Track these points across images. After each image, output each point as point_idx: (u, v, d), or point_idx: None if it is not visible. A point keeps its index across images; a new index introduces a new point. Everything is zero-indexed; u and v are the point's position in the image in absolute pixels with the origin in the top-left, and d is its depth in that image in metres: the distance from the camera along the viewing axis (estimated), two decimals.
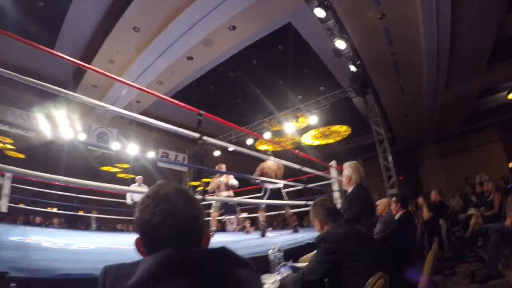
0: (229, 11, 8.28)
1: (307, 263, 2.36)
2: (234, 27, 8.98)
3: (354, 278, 2.07)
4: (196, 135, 3.80)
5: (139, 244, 1.01)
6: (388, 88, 11.76)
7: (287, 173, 7.15)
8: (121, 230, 12.52)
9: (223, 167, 7.33)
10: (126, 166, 13.75)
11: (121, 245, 4.06)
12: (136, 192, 8.78)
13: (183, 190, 1.07)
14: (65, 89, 2.99)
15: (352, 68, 9.57)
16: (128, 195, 9.20)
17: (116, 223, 13.14)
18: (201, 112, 3.95)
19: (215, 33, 9.02)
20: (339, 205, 5.33)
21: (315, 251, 2.37)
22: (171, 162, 14.97)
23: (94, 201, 9.37)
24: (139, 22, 8.97)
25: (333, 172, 6.93)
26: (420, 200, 7.44)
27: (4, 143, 11.11)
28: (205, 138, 3.92)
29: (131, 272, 0.88)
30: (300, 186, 7.03)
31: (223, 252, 0.99)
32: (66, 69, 11.02)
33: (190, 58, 10.18)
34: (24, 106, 10.98)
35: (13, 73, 2.52)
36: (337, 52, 8.80)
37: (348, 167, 3.53)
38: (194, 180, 15.71)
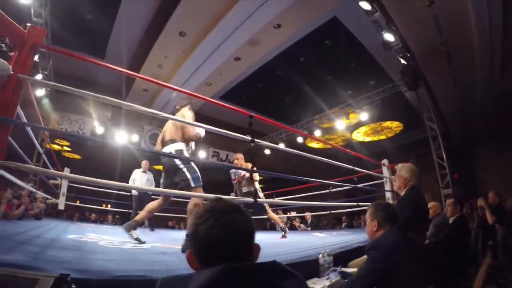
0: (273, 10, 8.25)
1: (356, 269, 2.32)
2: (279, 25, 8.94)
3: None
4: (248, 138, 3.75)
5: (192, 258, 1.02)
6: (441, 80, 11.19)
7: (338, 173, 6.98)
8: (172, 227, 12.91)
9: (239, 157, 6.82)
10: None
11: (174, 244, 4.12)
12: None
13: (238, 206, 1.07)
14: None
15: (402, 61, 9.20)
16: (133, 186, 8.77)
17: (167, 220, 13.45)
18: (252, 114, 3.88)
19: (261, 33, 9.03)
20: None
21: (365, 256, 2.31)
22: (218, 165, 15.03)
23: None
24: (185, 27, 9.15)
25: (385, 171, 6.72)
26: (481, 201, 6.77)
27: (61, 145, 11.69)
28: (257, 141, 3.87)
29: (186, 285, 0.90)
30: (349, 186, 6.64)
31: (275, 266, 0.98)
32: (118, 75, 11.43)
33: (237, 59, 10.27)
34: (80, 112, 11.59)
35: (77, 90, 2.61)
36: (386, 45, 8.50)
37: (404, 169, 3.24)
38: None
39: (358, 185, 6.20)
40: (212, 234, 0.98)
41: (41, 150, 6.72)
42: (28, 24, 2.77)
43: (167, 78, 11.23)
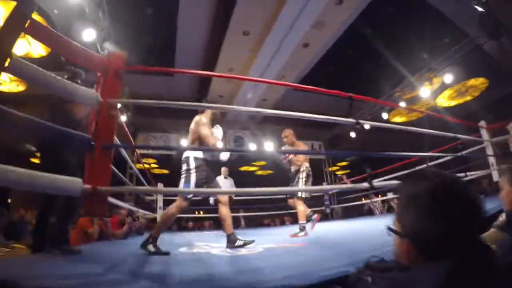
0: None
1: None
2: (340, 1, 8.59)
3: None
4: (353, 120, 3.51)
5: (410, 251, 0.91)
6: None
7: (433, 143, 6.49)
8: (268, 225, 13.00)
9: (288, 135, 6.21)
10: (262, 163, 14.33)
11: (287, 243, 4.02)
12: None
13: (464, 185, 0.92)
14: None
15: (479, 8, 8.30)
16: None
17: (262, 218, 13.58)
18: (351, 95, 3.64)
19: (324, 13, 8.69)
20: None
21: (493, 230, 1.90)
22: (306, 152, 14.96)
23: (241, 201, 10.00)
24: (247, 25, 9.12)
25: (484, 134, 6.10)
26: None
27: (149, 163, 12.36)
28: (361, 122, 3.60)
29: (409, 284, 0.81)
30: (451, 156, 6.03)
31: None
32: (191, 87, 11.81)
33: (305, 45, 10.04)
34: (162, 130, 12.20)
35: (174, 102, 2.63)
36: None
37: None
38: (334, 166, 15.72)
39: (463, 153, 5.61)
40: (441, 226, 0.84)
41: (136, 170, 7.06)
42: (106, 51, 2.83)
43: (240, 81, 11.36)
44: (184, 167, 3.88)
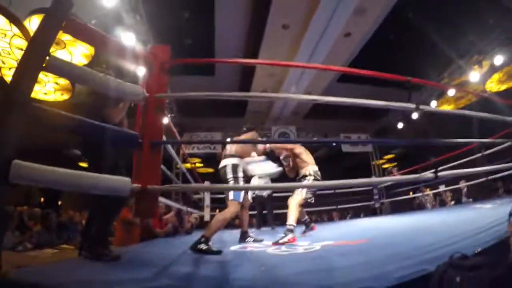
0: None
1: None
2: None
3: None
4: (412, 105, 3.32)
5: None
6: None
7: (482, 132, 6.07)
8: (316, 221, 12.65)
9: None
10: None
11: (343, 241, 3.82)
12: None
13: None
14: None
15: None
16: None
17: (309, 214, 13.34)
18: (409, 78, 3.43)
19: None
20: None
21: None
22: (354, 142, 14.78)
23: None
24: (286, 19, 8.93)
25: None
26: None
27: (193, 163, 12.55)
28: (422, 107, 3.38)
29: None
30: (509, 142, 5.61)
31: None
32: (232, 86, 11.82)
33: (347, 35, 9.73)
34: (206, 128, 12.40)
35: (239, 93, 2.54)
36: None
37: None
38: (381, 159, 15.28)
39: None
40: None
41: (184, 169, 7.09)
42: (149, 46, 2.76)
43: (281, 77, 11.26)
44: (230, 174, 4.09)
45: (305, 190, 4.75)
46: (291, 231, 4.30)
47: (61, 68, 2.05)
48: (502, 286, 0.74)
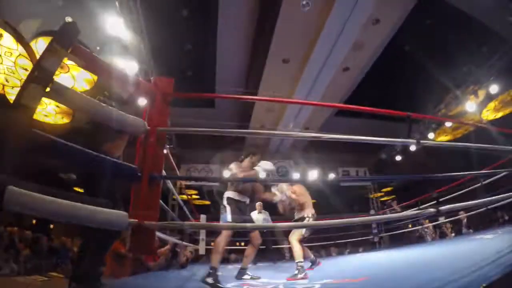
0: (367, 5, 7.74)
1: None
2: (377, 21, 8.51)
3: None
4: (413, 140, 3.36)
5: None
6: None
7: (480, 162, 6.07)
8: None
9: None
10: None
11: (344, 279, 3.73)
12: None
13: None
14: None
15: None
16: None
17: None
18: (409, 114, 3.46)
19: (362, 34, 8.61)
20: None
21: None
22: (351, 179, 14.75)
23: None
24: (286, 53, 9.10)
25: None
26: None
27: (190, 195, 12.52)
28: (423, 142, 3.43)
29: None
30: (505, 172, 5.57)
31: None
32: (232, 119, 11.88)
33: (346, 69, 9.92)
34: (204, 161, 12.36)
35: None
36: None
37: None
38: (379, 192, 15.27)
39: None
40: None
41: (180, 201, 7.00)
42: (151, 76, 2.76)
43: (281, 109, 11.32)
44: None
45: (304, 229, 4.87)
46: (302, 267, 4.33)
47: (63, 95, 2.01)
48: None
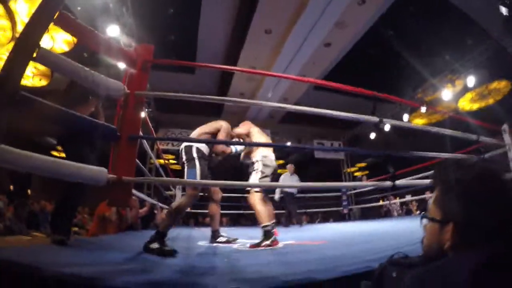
0: None
1: None
2: (363, 1, 8.50)
3: None
4: (375, 119, 3.51)
5: (452, 237, 0.91)
6: None
7: (453, 147, 6.37)
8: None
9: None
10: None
11: (305, 241, 4.02)
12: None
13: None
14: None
15: (503, 10, 7.91)
16: (278, 190, 9.10)
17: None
18: (375, 93, 3.76)
19: (346, 13, 8.61)
20: None
21: None
22: (328, 149, 15.02)
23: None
24: (269, 24, 9.07)
25: (507, 138, 5.98)
26: None
27: (167, 159, 12.73)
28: (385, 120, 3.57)
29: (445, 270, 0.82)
30: (472, 158, 5.97)
31: None
32: (211, 85, 11.93)
33: (327, 45, 9.96)
34: (182, 126, 12.42)
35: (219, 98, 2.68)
36: None
37: None
38: (353, 167, 15.68)
39: (485, 156, 5.52)
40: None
41: (157, 164, 7.16)
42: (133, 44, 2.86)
43: (261, 80, 11.43)
44: (185, 156, 3.77)
45: (255, 178, 4.13)
46: (269, 231, 3.71)
47: (50, 60, 2.14)
48: (431, 282, 0.88)
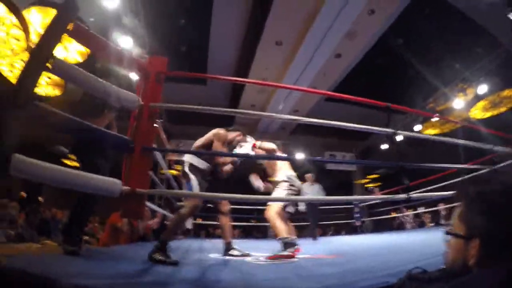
0: None
1: None
2: (372, 11, 8.51)
3: None
4: (390, 130, 3.46)
5: (477, 253, 0.88)
6: None
7: (466, 157, 6.29)
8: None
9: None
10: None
11: (320, 254, 3.97)
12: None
13: None
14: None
15: None
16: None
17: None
18: (389, 104, 3.60)
19: (356, 23, 8.62)
20: None
21: None
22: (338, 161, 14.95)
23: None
24: (280, 35, 9.10)
25: None
26: None
27: (179, 170, 12.77)
28: (399, 132, 3.52)
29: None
30: (486, 168, 5.84)
31: None
32: (222, 97, 11.99)
33: (338, 56, 9.97)
34: (194, 137, 12.42)
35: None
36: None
37: None
38: (364, 178, 15.56)
39: (499, 166, 5.40)
40: None
41: (169, 175, 7.17)
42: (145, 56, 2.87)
43: (272, 91, 11.44)
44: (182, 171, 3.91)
45: (281, 194, 4.10)
46: (287, 243, 3.63)
47: (64, 71, 2.17)
48: None
